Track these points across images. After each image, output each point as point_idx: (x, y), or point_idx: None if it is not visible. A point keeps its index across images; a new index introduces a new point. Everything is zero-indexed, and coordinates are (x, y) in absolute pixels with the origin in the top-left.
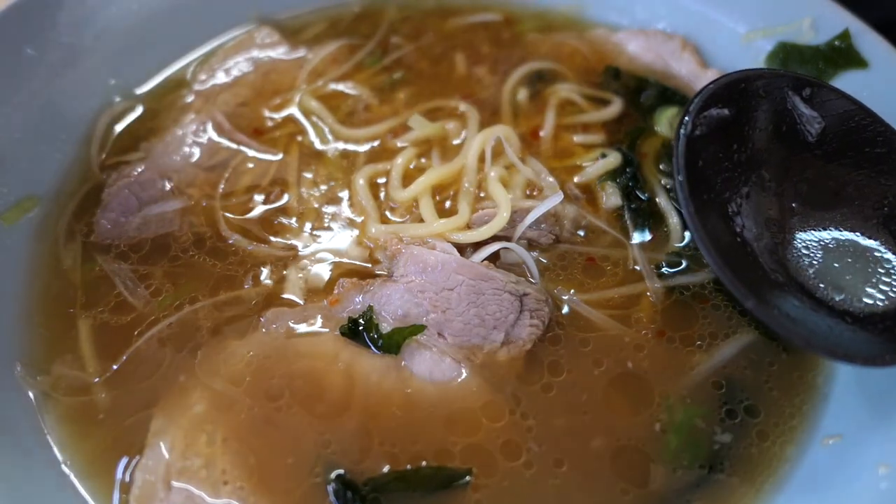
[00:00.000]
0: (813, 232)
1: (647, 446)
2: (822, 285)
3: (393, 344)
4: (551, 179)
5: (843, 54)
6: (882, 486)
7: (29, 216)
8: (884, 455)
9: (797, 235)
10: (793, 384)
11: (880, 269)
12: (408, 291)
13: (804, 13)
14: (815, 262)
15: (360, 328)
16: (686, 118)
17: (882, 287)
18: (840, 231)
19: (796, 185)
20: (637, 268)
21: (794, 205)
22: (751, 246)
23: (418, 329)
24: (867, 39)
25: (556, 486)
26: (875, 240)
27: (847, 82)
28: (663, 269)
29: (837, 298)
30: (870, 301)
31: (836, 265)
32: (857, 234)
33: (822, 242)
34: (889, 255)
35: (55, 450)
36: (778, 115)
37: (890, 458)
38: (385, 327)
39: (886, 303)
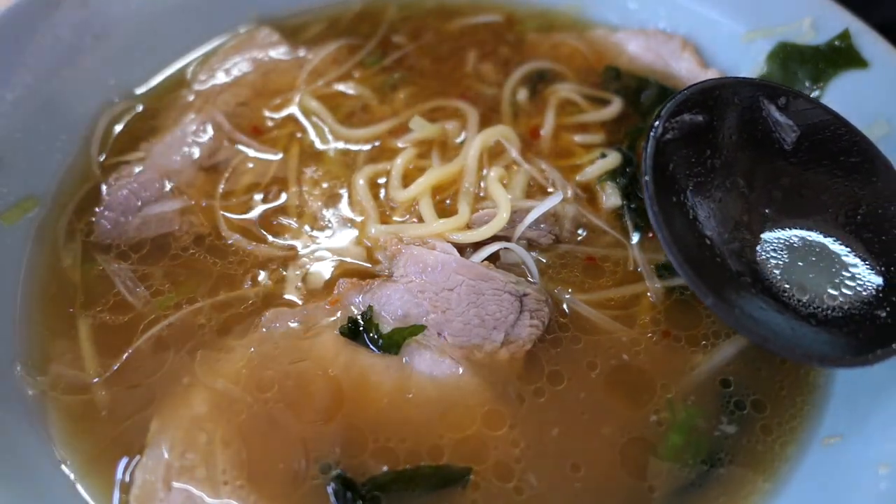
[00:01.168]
0: (784, 237)
1: (648, 444)
2: (788, 287)
3: (393, 344)
4: (558, 177)
5: (843, 54)
6: (882, 486)
7: (29, 216)
8: (884, 455)
9: (767, 240)
10: (796, 384)
11: (846, 274)
12: (408, 291)
13: (804, 13)
14: (783, 266)
15: (360, 328)
16: (657, 122)
17: (846, 291)
18: (811, 237)
19: (770, 192)
20: (637, 268)
21: (766, 211)
22: (718, 248)
23: (418, 329)
24: (867, 39)
25: (558, 487)
26: (846, 246)
27: (847, 82)
28: (663, 269)
29: (803, 300)
30: (834, 304)
31: (804, 269)
32: (829, 240)
33: (792, 247)
34: (857, 261)
35: (55, 450)
36: (753, 123)
37: (890, 458)
38: (385, 327)
39: (850, 306)
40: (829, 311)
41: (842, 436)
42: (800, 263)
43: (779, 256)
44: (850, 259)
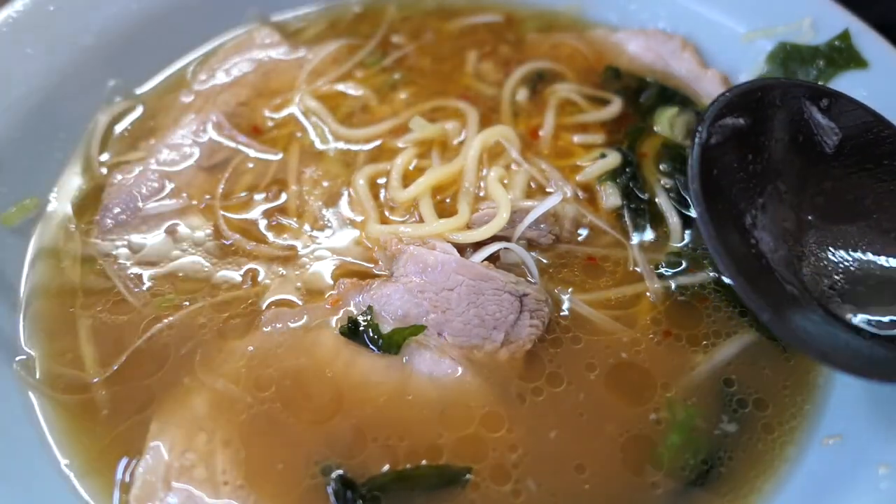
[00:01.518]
0: (830, 245)
1: (648, 444)
2: (837, 299)
3: (393, 344)
4: (559, 177)
5: (843, 54)
6: (882, 486)
7: (29, 216)
8: (884, 455)
9: (813, 248)
10: (797, 383)
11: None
12: (408, 292)
13: (804, 13)
14: (831, 276)
15: (360, 328)
16: (700, 127)
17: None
18: (858, 244)
19: (813, 198)
20: (637, 268)
21: (810, 217)
22: (766, 258)
23: (418, 329)
24: (867, 39)
25: (558, 488)
26: (893, 255)
27: (847, 82)
28: (663, 270)
29: (853, 313)
30: (885, 317)
31: (852, 279)
32: (875, 247)
33: (838, 256)
34: None
35: (55, 450)
36: (794, 126)
37: (890, 458)
38: (385, 327)
39: None
40: (880, 324)
41: (841, 436)
42: (849, 274)
43: (826, 266)
44: None
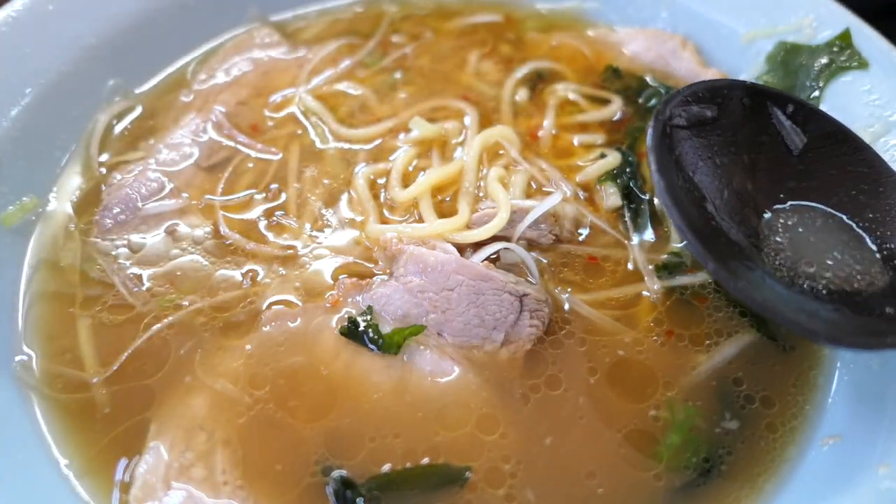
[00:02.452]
0: (791, 225)
1: (649, 444)
2: (794, 264)
3: (393, 344)
4: (559, 176)
5: (843, 54)
6: (882, 486)
7: (29, 216)
8: (884, 455)
9: (773, 225)
10: (796, 383)
11: (854, 261)
12: (408, 292)
13: (804, 13)
14: (790, 247)
15: (360, 328)
16: (664, 106)
17: (858, 277)
18: (820, 225)
19: (777, 195)
20: (637, 268)
21: (768, 214)
22: (722, 223)
23: (418, 329)
24: (867, 39)
25: (557, 488)
26: (854, 239)
27: (847, 82)
28: (663, 269)
29: (810, 276)
30: (841, 284)
31: (811, 252)
32: (835, 231)
33: (799, 233)
34: (865, 253)
35: (55, 450)
36: (761, 127)
37: (890, 458)
38: (385, 327)
39: (859, 292)
40: (837, 291)
41: (841, 436)
42: (807, 247)
43: (785, 239)
44: (859, 251)
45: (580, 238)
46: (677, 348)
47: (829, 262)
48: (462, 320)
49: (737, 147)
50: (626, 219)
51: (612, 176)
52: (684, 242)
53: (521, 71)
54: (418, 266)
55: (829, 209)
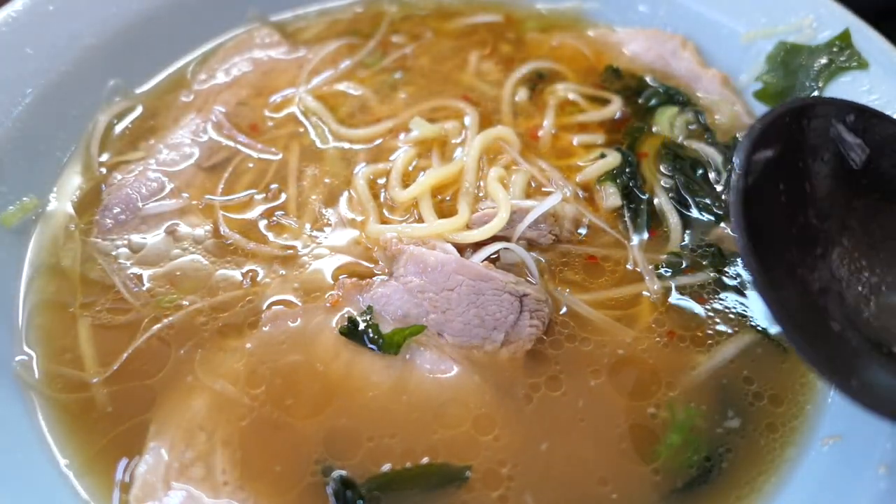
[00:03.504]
0: (885, 287)
1: (650, 443)
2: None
3: (393, 344)
4: (559, 176)
5: (843, 54)
6: (882, 486)
7: (29, 216)
8: (884, 455)
9: (870, 293)
10: (802, 381)
11: None
12: (408, 292)
13: (804, 13)
14: (883, 315)
15: (360, 328)
16: (738, 171)
17: None
18: None
19: (847, 223)
20: (637, 268)
21: (858, 254)
22: (826, 312)
23: (418, 329)
24: (867, 39)
25: (558, 487)
26: None
27: (847, 82)
28: (663, 270)
29: None
30: None
31: None
32: None
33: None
34: None
35: (55, 450)
36: (822, 144)
37: (890, 458)
38: (385, 327)
39: None
40: None
41: (841, 436)
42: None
43: (884, 311)
44: None
45: (580, 238)
46: (678, 348)
47: None
48: (462, 320)
49: (800, 175)
50: (626, 219)
51: (611, 176)
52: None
53: (521, 71)
54: (418, 266)
55: None
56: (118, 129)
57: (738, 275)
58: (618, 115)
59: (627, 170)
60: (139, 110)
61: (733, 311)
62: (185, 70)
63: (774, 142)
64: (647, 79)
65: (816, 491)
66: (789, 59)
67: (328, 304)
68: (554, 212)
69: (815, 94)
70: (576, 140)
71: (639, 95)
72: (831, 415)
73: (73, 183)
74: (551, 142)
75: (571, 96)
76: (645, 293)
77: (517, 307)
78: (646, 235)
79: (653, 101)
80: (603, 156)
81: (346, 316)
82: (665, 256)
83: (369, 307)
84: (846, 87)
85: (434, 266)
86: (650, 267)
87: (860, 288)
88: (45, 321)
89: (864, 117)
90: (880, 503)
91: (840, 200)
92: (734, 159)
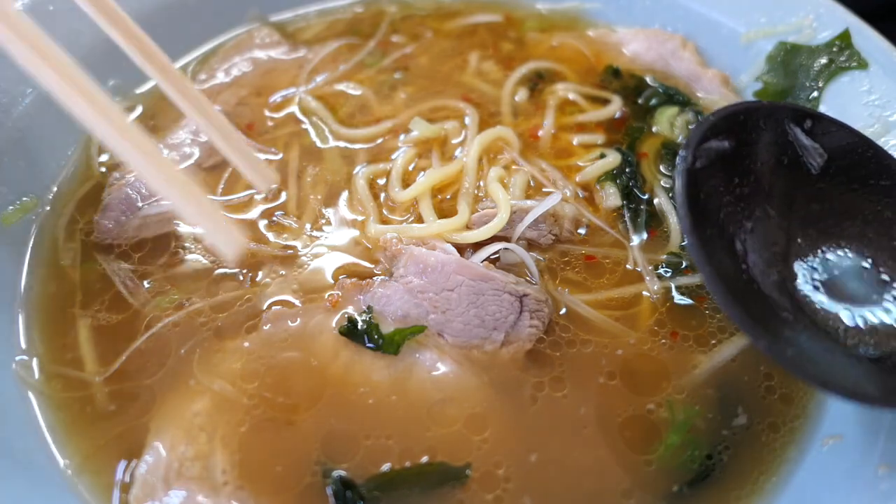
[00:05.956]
0: (820, 267)
1: (650, 443)
2: (831, 322)
3: (393, 344)
4: (559, 176)
5: (842, 54)
6: (882, 486)
7: (29, 216)
8: (884, 455)
9: (804, 271)
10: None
11: (890, 303)
12: (408, 292)
13: (804, 13)
14: (823, 300)
15: (360, 328)
16: (685, 151)
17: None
18: (849, 266)
19: (801, 219)
20: (637, 268)
21: (799, 240)
22: (758, 283)
23: (419, 329)
24: (867, 39)
25: (558, 487)
26: (886, 274)
27: (847, 82)
28: (662, 270)
29: (848, 336)
30: (882, 338)
31: (844, 302)
32: (867, 268)
33: (829, 278)
34: None
35: (54, 449)
36: (779, 148)
37: (890, 458)
38: (385, 328)
39: None
40: (876, 346)
41: (841, 436)
42: (841, 297)
43: (817, 288)
44: (893, 288)
45: (580, 237)
46: (681, 348)
47: (865, 311)
48: (462, 321)
49: (758, 174)
50: (626, 219)
51: (611, 176)
52: (725, 311)
53: (521, 71)
54: (418, 266)
55: (851, 247)
56: None
57: None
58: (618, 114)
59: (627, 170)
60: (139, 110)
61: None
62: (185, 70)
63: (727, 134)
64: (647, 79)
65: (816, 491)
66: (789, 59)
67: (328, 305)
68: (553, 212)
69: (816, 94)
70: (576, 140)
71: (638, 95)
72: (831, 415)
73: (73, 183)
74: (551, 142)
75: (571, 96)
76: (645, 293)
77: (517, 307)
78: (645, 235)
79: (652, 102)
80: (603, 156)
81: (346, 316)
82: (665, 256)
83: (369, 307)
84: (846, 87)
85: (434, 266)
86: (650, 267)
87: (791, 270)
88: (45, 321)
89: (821, 124)
90: (880, 503)
91: (791, 194)
92: (684, 142)
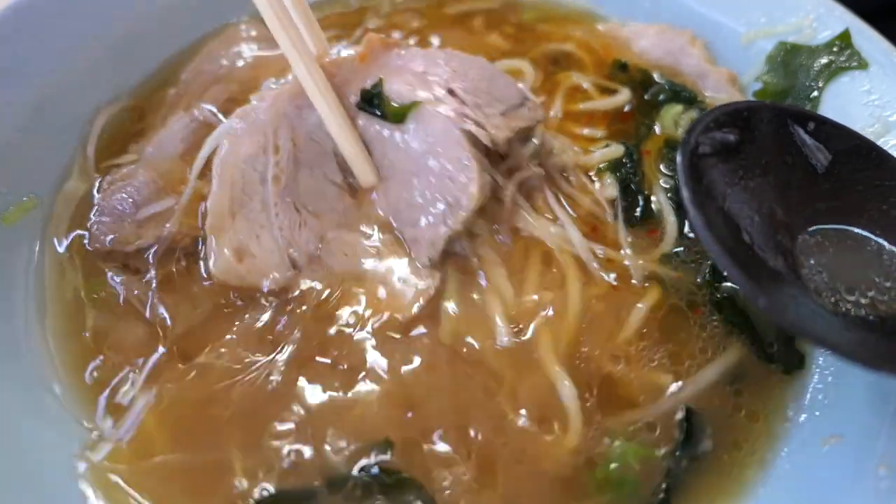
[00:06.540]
0: (825, 262)
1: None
2: (832, 298)
3: (399, 114)
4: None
5: (842, 54)
6: (882, 486)
7: (29, 216)
8: (884, 455)
9: (808, 252)
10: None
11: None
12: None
13: (804, 13)
14: (828, 271)
15: (374, 101)
16: (689, 136)
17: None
18: (853, 260)
19: (806, 218)
20: (628, 269)
21: (803, 237)
22: (760, 252)
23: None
24: (867, 39)
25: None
26: (891, 266)
27: (847, 82)
28: (661, 270)
29: (852, 302)
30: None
31: (849, 276)
32: (871, 260)
33: (835, 272)
34: None
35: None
36: (784, 147)
37: (890, 458)
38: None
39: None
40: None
41: (842, 436)
42: (844, 271)
43: (823, 279)
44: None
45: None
46: (663, 355)
47: (868, 285)
48: (473, 86)
49: (763, 170)
50: (619, 212)
51: (612, 167)
52: (730, 279)
53: (541, 50)
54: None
55: (861, 230)
56: (115, 130)
57: (731, 288)
58: (627, 107)
59: (628, 164)
60: (135, 111)
61: (723, 322)
62: (176, 68)
63: (731, 128)
64: (655, 75)
65: (817, 491)
66: (789, 59)
67: (357, 59)
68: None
69: (816, 94)
70: (580, 133)
71: (645, 91)
72: (831, 415)
73: (72, 183)
74: (557, 126)
75: (585, 85)
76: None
77: (521, 96)
78: (639, 234)
79: (660, 98)
80: (608, 145)
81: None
82: (658, 258)
83: (380, 79)
84: (846, 87)
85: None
86: (640, 262)
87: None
88: (45, 321)
89: (825, 127)
90: (880, 503)
91: (796, 193)
92: (688, 127)
